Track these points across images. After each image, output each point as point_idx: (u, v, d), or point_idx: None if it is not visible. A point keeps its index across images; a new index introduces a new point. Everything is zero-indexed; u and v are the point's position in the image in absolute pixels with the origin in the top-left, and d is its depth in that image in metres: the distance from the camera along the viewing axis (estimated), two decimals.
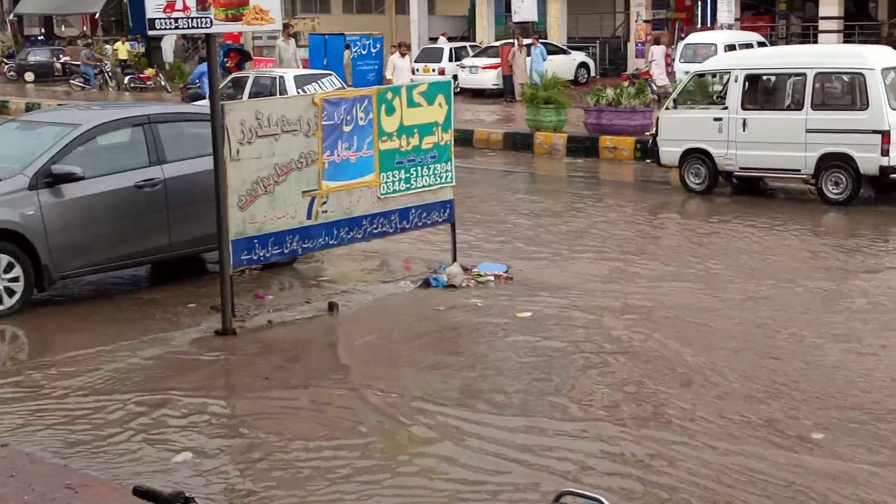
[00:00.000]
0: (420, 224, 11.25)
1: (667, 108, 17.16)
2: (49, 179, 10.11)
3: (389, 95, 10.79)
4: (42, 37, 47.68)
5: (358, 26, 37.66)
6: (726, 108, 16.02)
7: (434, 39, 36.94)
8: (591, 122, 21.57)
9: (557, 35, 35.85)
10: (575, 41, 36.55)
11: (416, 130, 10.96)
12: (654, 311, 9.92)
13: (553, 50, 32.33)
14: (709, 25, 33.80)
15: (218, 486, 6.42)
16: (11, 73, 41.03)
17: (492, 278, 11.17)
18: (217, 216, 9.32)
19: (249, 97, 21.98)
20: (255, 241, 9.69)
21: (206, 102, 22.27)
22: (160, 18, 8.68)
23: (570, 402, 7.68)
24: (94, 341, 9.20)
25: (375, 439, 7.13)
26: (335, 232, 10.39)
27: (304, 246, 10.24)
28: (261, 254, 9.82)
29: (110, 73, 36.88)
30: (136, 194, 10.59)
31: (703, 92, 17.20)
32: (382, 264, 12.12)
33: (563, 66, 31.49)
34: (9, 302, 9.92)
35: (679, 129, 16.57)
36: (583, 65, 34.18)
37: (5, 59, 43.57)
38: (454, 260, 11.40)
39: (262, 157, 9.63)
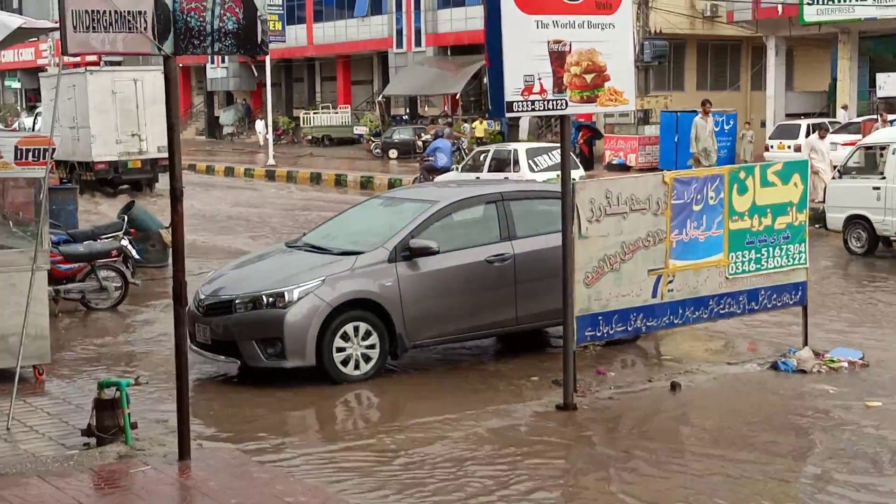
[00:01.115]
0: (769, 306, 10.94)
1: (833, 178, 18.65)
2: (407, 253, 10.62)
3: (742, 175, 10.62)
4: (406, 116, 50.36)
5: (712, 103, 37.22)
6: (884, 177, 17.49)
7: (793, 116, 35.95)
8: None
9: None
10: None
11: (768, 210, 10.71)
12: None
13: None
14: None
15: None
16: (377, 150, 43.58)
17: (845, 364, 10.65)
18: (563, 292, 9.44)
19: (489, 168, 22.45)
20: (600, 317, 9.76)
21: (449, 176, 22.92)
22: (518, 101, 8.91)
23: None
24: (440, 409, 9.49)
25: None
26: (680, 311, 10.29)
27: (648, 324, 10.20)
28: (604, 330, 9.86)
29: (466, 151, 38.34)
30: (487, 269, 10.92)
31: (866, 164, 18.58)
32: (727, 345, 11.83)
33: None
34: (365, 368, 10.43)
35: (843, 198, 18.27)
36: None
37: (372, 137, 46.38)
38: (805, 343, 10.98)
39: (609, 234, 9.71)
